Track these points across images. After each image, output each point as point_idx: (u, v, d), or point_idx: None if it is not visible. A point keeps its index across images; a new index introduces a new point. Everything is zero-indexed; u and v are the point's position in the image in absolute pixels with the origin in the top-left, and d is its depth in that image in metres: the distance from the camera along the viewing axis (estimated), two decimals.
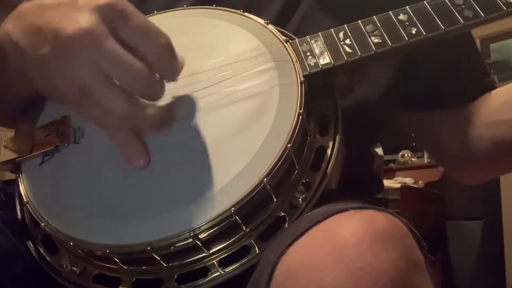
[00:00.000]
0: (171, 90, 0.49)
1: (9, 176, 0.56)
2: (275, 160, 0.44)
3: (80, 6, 0.42)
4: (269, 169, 0.44)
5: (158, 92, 0.44)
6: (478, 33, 2.82)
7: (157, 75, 0.45)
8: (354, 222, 0.37)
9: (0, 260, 0.48)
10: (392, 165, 2.56)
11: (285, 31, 0.56)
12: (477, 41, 2.88)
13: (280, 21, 0.59)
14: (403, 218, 0.40)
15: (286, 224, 0.46)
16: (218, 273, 0.45)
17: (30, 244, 0.51)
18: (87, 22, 0.41)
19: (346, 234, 0.36)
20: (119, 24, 0.42)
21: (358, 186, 0.63)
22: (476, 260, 2.44)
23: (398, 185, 2.27)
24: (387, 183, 2.43)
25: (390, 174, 2.46)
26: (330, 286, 0.33)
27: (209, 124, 0.49)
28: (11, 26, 0.46)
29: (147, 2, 0.66)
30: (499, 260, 2.53)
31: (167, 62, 0.44)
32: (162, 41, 0.43)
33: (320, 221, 0.38)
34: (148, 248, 0.43)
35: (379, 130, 0.73)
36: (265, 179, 0.43)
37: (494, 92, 0.66)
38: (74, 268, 0.49)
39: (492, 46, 2.81)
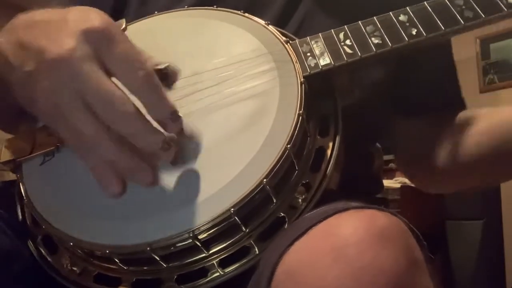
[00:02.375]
0: (173, 91, 0.49)
1: (10, 176, 0.56)
2: (275, 161, 0.44)
3: (68, 28, 0.41)
4: (268, 169, 0.44)
5: (132, 127, 0.41)
6: (478, 33, 2.82)
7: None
8: (354, 221, 0.37)
9: (0, 260, 0.48)
10: (392, 165, 2.54)
11: (286, 32, 0.56)
12: (477, 41, 2.88)
13: (280, 22, 0.59)
14: (403, 218, 0.41)
15: (286, 225, 0.46)
16: (217, 274, 0.45)
17: (30, 244, 0.51)
18: (70, 45, 0.40)
19: (346, 233, 0.36)
20: (104, 50, 0.41)
21: (358, 186, 0.63)
22: (476, 260, 2.45)
23: (398, 185, 2.27)
24: (387, 183, 2.43)
25: (390, 174, 2.46)
26: (331, 286, 0.34)
27: (209, 124, 0.49)
28: (4, 39, 0.46)
29: (149, 4, 0.66)
30: (499, 260, 2.53)
31: (146, 94, 0.41)
32: (142, 73, 0.41)
33: (320, 221, 0.38)
34: (148, 248, 0.43)
35: (379, 131, 0.73)
36: (264, 180, 0.43)
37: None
38: (74, 268, 0.49)
39: (492, 46, 2.81)
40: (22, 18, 0.46)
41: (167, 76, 0.44)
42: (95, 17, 0.41)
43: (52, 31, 0.42)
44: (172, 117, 0.42)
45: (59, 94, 0.41)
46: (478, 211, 2.47)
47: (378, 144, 0.81)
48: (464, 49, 2.75)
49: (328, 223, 0.38)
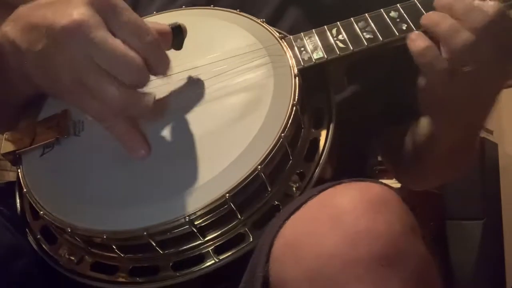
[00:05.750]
0: (169, 84, 0.51)
1: (10, 177, 0.57)
2: (269, 149, 0.45)
3: (74, 1, 0.44)
4: (263, 157, 0.45)
5: (145, 80, 0.45)
6: None
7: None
8: (349, 191, 0.38)
9: (4, 255, 0.49)
10: None
11: (280, 30, 0.57)
12: None
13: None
14: (396, 189, 0.41)
15: None
16: (213, 261, 0.46)
17: (30, 235, 0.52)
18: (79, 14, 0.42)
19: (342, 202, 0.37)
20: (110, 18, 0.43)
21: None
22: (476, 260, 2.44)
23: (398, 185, 2.27)
24: (386, 183, 2.43)
25: (390, 174, 2.46)
26: (329, 252, 0.34)
27: (205, 115, 0.50)
28: (9, 27, 0.48)
29: (140, 8, 0.67)
30: (499, 260, 2.53)
31: (154, 57, 0.45)
32: (150, 37, 0.44)
33: (315, 194, 0.39)
34: (145, 233, 0.44)
35: (370, 131, 0.74)
36: (259, 167, 0.44)
37: None
38: (72, 258, 0.50)
39: None
40: (26, 6, 0.48)
41: (177, 34, 0.49)
42: None
43: (58, 8, 0.44)
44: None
45: (77, 64, 0.43)
46: (478, 211, 2.46)
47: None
48: None
49: (323, 195, 0.39)
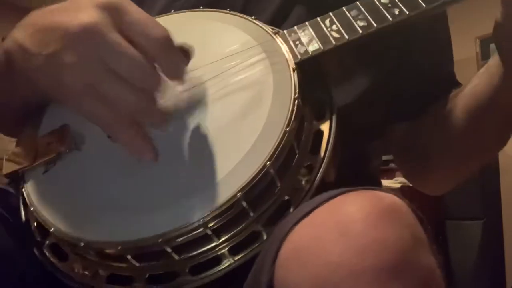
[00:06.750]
0: (170, 87, 0.51)
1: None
2: (276, 144, 0.45)
3: (83, 6, 0.44)
4: (271, 153, 0.45)
5: (156, 84, 0.45)
6: (478, 33, 2.83)
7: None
8: (359, 199, 0.37)
9: (4, 258, 0.48)
10: (392, 165, 2.54)
11: (272, 27, 0.57)
12: (477, 41, 2.89)
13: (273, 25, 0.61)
14: (407, 201, 0.41)
15: (292, 208, 0.46)
16: (229, 262, 0.45)
17: (37, 253, 0.51)
18: (90, 17, 0.43)
19: (352, 210, 0.36)
20: (121, 19, 0.43)
21: (356, 185, 0.63)
22: (476, 260, 2.44)
23: (398, 185, 2.27)
24: (387, 183, 2.43)
25: (390, 174, 2.46)
26: (336, 261, 0.34)
27: (208, 116, 0.50)
28: (19, 33, 0.48)
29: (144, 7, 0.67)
30: (499, 260, 2.53)
31: (167, 54, 0.45)
32: (163, 33, 0.44)
33: (325, 201, 0.39)
34: (160, 240, 0.43)
35: (373, 131, 0.74)
36: (268, 163, 0.44)
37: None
38: (86, 272, 0.49)
39: (492, 46, 2.81)
40: (37, 12, 0.48)
41: (185, 54, 0.48)
42: None
43: (68, 13, 0.45)
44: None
45: (88, 69, 0.43)
46: (478, 211, 2.47)
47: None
48: (464, 49, 2.77)
49: (333, 203, 0.38)
